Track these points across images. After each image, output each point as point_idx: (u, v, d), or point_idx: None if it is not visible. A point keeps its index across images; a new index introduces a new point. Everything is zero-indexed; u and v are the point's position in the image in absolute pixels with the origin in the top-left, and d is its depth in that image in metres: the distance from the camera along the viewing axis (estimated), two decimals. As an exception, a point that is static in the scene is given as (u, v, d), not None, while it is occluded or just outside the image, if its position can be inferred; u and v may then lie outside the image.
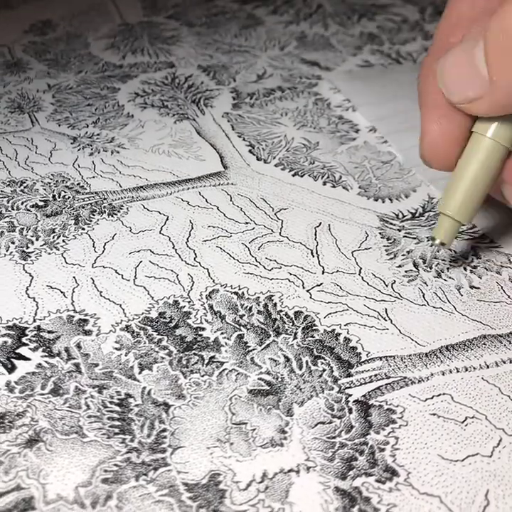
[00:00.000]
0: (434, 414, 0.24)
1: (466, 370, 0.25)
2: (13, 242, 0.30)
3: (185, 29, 0.49)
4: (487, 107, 0.25)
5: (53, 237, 0.30)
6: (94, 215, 0.32)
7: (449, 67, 0.25)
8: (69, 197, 0.33)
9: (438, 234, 0.28)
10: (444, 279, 0.29)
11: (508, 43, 0.22)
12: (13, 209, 0.32)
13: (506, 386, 0.24)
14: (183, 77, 0.43)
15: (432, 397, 0.24)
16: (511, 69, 0.23)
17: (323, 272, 0.29)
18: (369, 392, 0.24)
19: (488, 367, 0.25)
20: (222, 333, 0.26)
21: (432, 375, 0.25)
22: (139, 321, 0.27)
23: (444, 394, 0.24)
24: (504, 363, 0.25)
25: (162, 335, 0.26)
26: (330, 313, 0.27)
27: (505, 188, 0.27)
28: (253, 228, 0.31)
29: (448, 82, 0.25)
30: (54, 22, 0.49)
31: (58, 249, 0.30)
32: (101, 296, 0.28)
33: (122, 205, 0.32)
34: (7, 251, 0.29)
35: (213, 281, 0.28)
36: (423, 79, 0.28)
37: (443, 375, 0.25)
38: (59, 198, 0.33)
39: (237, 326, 0.26)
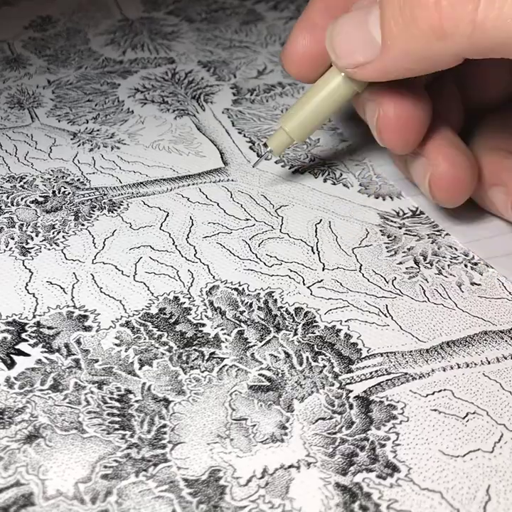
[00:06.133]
0: (435, 410, 0.23)
1: (467, 366, 0.25)
2: (12, 238, 0.30)
3: (185, 25, 0.49)
4: (375, 71, 0.25)
5: (53, 233, 0.30)
6: (94, 210, 0.31)
7: (339, 32, 0.26)
8: (69, 193, 0.33)
9: (272, 143, 0.31)
10: (445, 276, 0.29)
11: (405, 10, 0.23)
12: (12, 205, 0.32)
13: (507, 382, 0.24)
14: (184, 72, 0.43)
15: (433, 393, 0.24)
16: (406, 34, 0.23)
17: (323, 269, 0.29)
18: (370, 388, 0.24)
19: (489, 363, 0.25)
20: (222, 329, 0.26)
21: (432, 371, 0.25)
22: (139, 317, 0.26)
23: (445, 390, 0.24)
24: (505, 358, 0.25)
25: (162, 331, 0.26)
26: (330, 310, 0.27)
27: (493, 192, 0.27)
28: (253, 225, 0.31)
29: (337, 47, 0.26)
30: (54, 18, 0.49)
31: (58, 245, 0.30)
32: (101, 292, 0.27)
33: (122, 201, 0.32)
34: (7, 247, 0.29)
35: (213, 277, 0.28)
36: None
37: (444, 371, 0.25)
38: (59, 193, 0.32)
39: (238, 322, 0.26)
